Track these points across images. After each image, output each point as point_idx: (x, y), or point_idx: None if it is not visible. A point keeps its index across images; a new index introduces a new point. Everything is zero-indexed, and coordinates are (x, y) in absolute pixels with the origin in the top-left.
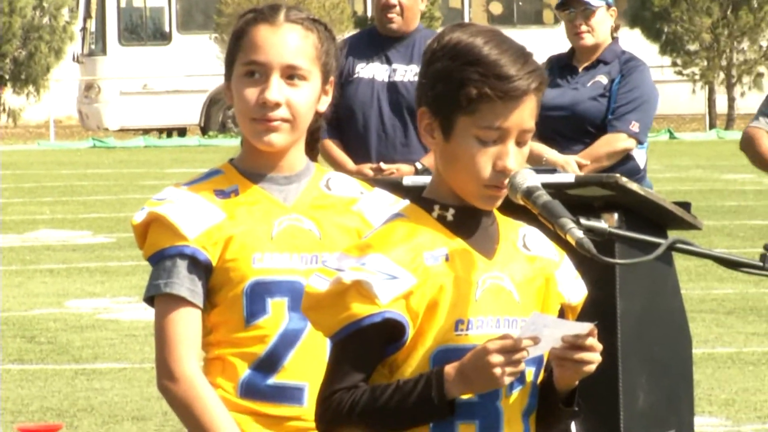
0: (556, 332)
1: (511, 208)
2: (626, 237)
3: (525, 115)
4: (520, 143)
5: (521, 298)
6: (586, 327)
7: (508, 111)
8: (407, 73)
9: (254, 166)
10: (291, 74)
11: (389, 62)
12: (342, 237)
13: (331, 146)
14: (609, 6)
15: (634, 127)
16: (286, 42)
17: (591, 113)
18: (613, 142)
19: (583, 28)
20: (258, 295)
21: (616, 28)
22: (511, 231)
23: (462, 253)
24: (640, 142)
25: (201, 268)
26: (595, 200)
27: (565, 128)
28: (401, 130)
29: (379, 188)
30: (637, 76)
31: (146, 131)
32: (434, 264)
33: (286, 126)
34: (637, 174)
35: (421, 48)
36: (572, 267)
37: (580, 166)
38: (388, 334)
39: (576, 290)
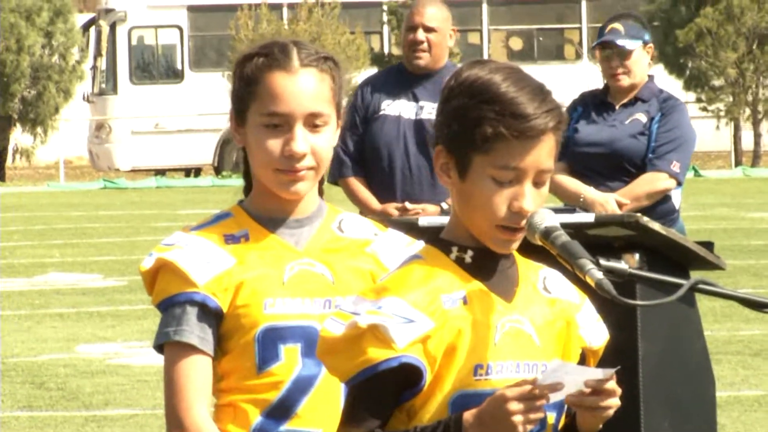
0: (578, 378)
1: (530, 249)
2: (647, 278)
3: (542, 155)
4: (537, 184)
5: (541, 341)
6: (608, 373)
7: (524, 151)
8: (435, 110)
9: (266, 210)
10: (313, 122)
11: (416, 99)
12: (356, 280)
13: (356, 184)
14: (645, 44)
15: (675, 167)
16: (305, 89)
17: (630, 151)
18: (654, 182)
19: (620, 69)
20: (270, 341)
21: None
22: (532, 273)
23: (480, 296)
24: (679, 183)
25: (211, 314)
26: (616, 240)
27: (601, 165)
28: (427, 168)
29: (394, 229)
30: (677, 116)
31: (158, 171)
32: (452, 307)
33: (312, 173)
34: (672, 215)
35: None
36: (593, 310)
37: (620, 205)
38: (405, 379)
39: (597, 334)
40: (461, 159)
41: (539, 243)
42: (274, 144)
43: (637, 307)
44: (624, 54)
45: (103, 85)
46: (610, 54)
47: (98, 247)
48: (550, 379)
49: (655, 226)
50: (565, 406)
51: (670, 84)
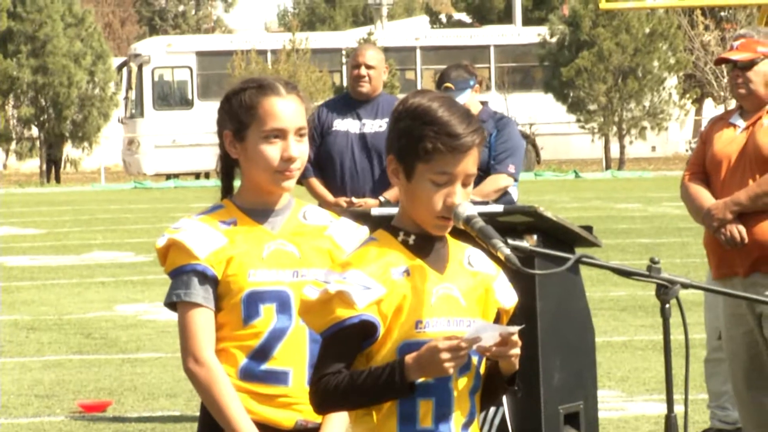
0: (494, 333)
1: (457, 232)
2: (543, 253)
3: (469, 163)
4: (465, 184)
5: (466, 303)
6: (515, 329)
7: (456, 161)
8: (374, 125)
9: (251, 203)
10: (299, 133)
11: (359, 118)
12: (317, 256)
13: (315, 183)
14: (473, 87)
15: (511, 168)
16: (292, 109)
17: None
18: (498, 181)
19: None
20: (253, 302)
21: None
22: (459, 251)
23: (420, 270)
24: (516, 180)
25: (210, 281)
26: (519, 225)
27: None
28: (369, 171)
29: (347, 218)
30: (509, 130)
31: (175, 175)
32: (399, 278)
33: (297, 173)
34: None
35: (384, 107)
36: (506, 279)
37: (473, 203)
38: (364, 332)
39: (510, 297)
40: (408, 166)
41: (462, 227)
42: (275, 152)
43: (536, 276)
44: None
45: (133, 111)
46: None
47: (130, 232)
48: (473, 334)
49: (549, 214)
50: None
51: (557, 109)
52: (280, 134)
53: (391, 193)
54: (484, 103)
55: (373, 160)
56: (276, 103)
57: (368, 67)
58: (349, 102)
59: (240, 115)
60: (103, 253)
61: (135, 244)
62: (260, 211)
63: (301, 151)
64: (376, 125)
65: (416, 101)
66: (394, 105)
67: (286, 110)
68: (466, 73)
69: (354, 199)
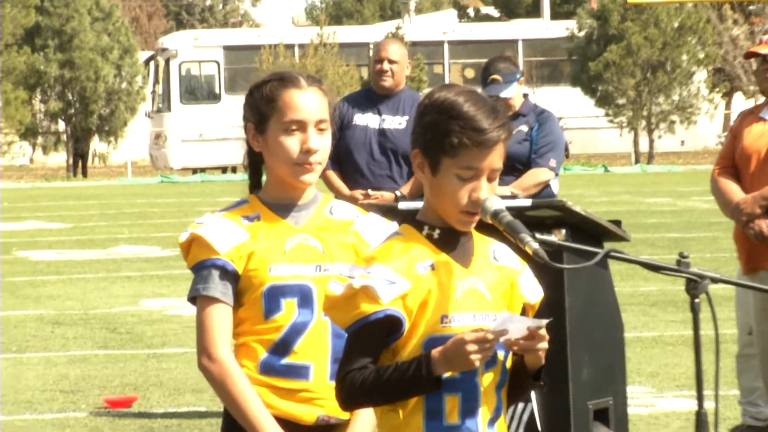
0: (520, 326)
1: (483, 226)
2: (572, 248)
3: (495, 158)
4: (490, 179)
5: (492, 297)
6: (543, 322)
7: (482, 155)
8: (394, 122)
9: (276, 198)
10: (320, 126)
11: (380, 113)
12: (341, 251)
13: (332, 176)
14: (518, 80)
15: (552, 162)
16: (313, 101)
17: (519, 154)
18: (538, 175)
19: (502, 107)
20: (274, 296)
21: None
22: (484, 246)
23: (445, 264)
24: (556, 174)
25: (230, 275)
26: (547, 219)
27: None
28: (386, 165)
29: (373, 212)
30: (550, 124)
31: (202, 170)
32: (424, 272)
33: (318, 167)
34: (551, 199)
35: (406, 103)
36: (532, 274)
37: (514, 195)
38: (389, 327)
39: (535, 292)
40: (433, 160)
41: (490, 222)
42: (294, 143)
43: (564, 270)
44: (506, 99)
45: (160, 105)
46: (496, 98)
47: (157, 227)
48: (499, 326)
49: (577, 208)
50: None
51: (585, 103)
52: (300, 126)
53: (407, 188)
54: (525, 96)
55: (390, 156)
56: (296, 95)
57: (391, 61)
58: (370, 96)
59: (261, 107)
60: (130, 247)
61: (161, 238)
62: (284, 206)
63: (321, 144)
64: (396, 122)
65: (442, 95)
66: (417, 100)
67: (307, 102)
68: (513, 66)
69: (370, 192)
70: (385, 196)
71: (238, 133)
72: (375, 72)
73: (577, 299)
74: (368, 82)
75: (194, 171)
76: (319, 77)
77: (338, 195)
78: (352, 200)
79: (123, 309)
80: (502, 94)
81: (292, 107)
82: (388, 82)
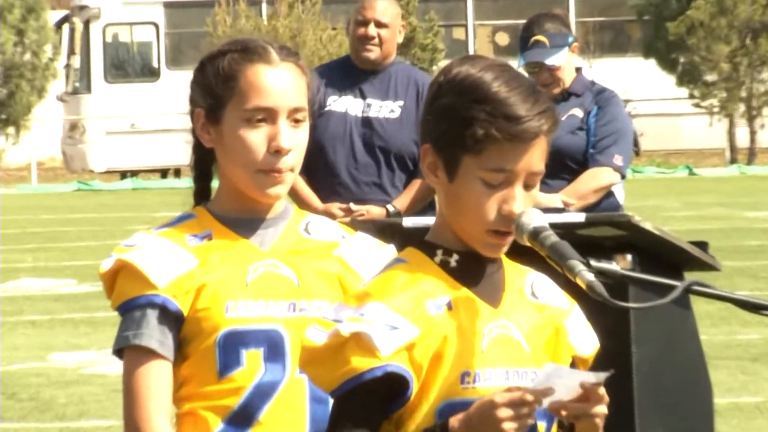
0: (570, 383)
1: (518, 251)
2: (640, 279)
3: (534, 157)
4: (528, 186)
5: (531, 348)
6: (601, 377)
7: (516, 153)
8: (382, 109)
9: (233, 211)
10: (295, 117)
11: (363, 96)
12: (321, 283)
13: (298, 182)
14: (570, 46)
15: (618, 160)
16: (287, 82)
17: (570, 147)
18: (599, 177)
19: (549, 80)
20: (231, 346)
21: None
22: (518, 277)
23: (466, 302)
24: (623, 176)
25: (171, 318)
26: (607, 240)
27: None
28: (374, 168)
29: (378, 230)
30: (614, 109)
31: (134, 173)
32: (437, 313)
33: (290, 175)
34: (616, 210)
35: (400, 82)
36: (583, 317)
37: (566, 205)
38: (391, 389)
39: (588, 341)
40: (450, 159)
41: (528, 244)
42: (259, 140)
43: (630, 310)
44: (553, 68)
45: (77, 84)
46: (537, 68)
47: (72, 252)
48: (543, 384)
49: (648, 225)
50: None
51: (661, 80)
52: (268, 116)
53: (403, 200)
54: (578, 70)
55: (379, 155)
56: (264, 73)
57: (379, 24)
58: (349, 72)
59: (215, 88)
60: (34, 280)
61: (77, 268)
62: (245, 221)
63: (296, 141)
64: (386, 108)
65: (463, 70)
66: (415, 78)
67: (278, 84)
68: (564, 26)
69: (352, 206)
70: (373, 211)
71: (183, 122)
72: (356, 39)
73: (647, 349)
74: None
75: (123, 175)
76: (295, 50)
77: (306, 209)
78: (327, 217)
79: (25, 366)
80: (548, 61)
81: (258, 89)
82: (373, 53)
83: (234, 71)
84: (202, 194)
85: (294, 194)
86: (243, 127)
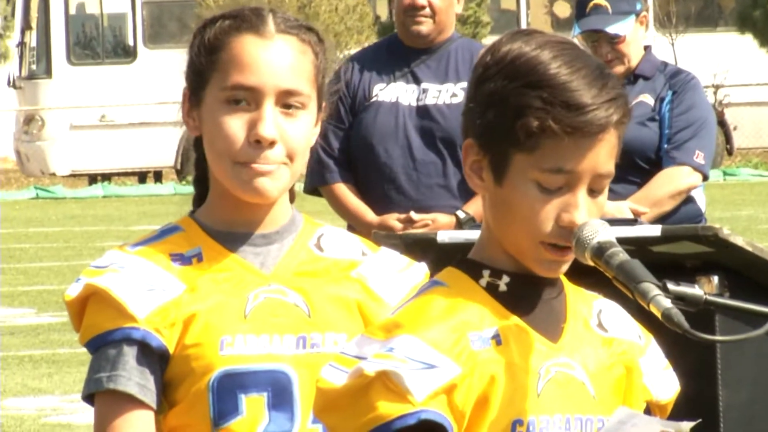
0: (649, 430)
1: (580, 272)
2: (729, 306)
3: (602, 155)
4: (593, 192)
5: (597, 391)
6: (684, 427)
7: (579, 151)
8: (441, 94)
9: (225, 222)
10: (287, 102)
11: (417, 81)
12: (337, 312)
13: (345, 192)
14: (638, 14)
15: (699, 157)
16: (280, 59)
17: (641, 142)
18: (677, 179)
19: (611, 55)
20: (228, 391)
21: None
22: (584, 305)
23: (518, 334)
24: (705, 177)
25: (154, 356)
26: (688, 259)
27: None
28: (437, 167)
29: (404, 246)
30: (692, 94)
31: (105, 177)
32: (483, 348)
33: (284, 170)
34: (697, 218)
35: (461, 60)
36: (661, 354)
37: (637, 214)
38: None
39: (666, 384)
40: (498, 157)
41: (590, 263)
42: (237, 126)
43: (717, 344)
44: (614, 39)
45: (34, 67)
46: (596, 38)
47: (29, 274)
48: (614, 431)
49: (739, 240)
50: None
51: (761, 60)
52: (250, 98)
53: (477, 204)
54: (646, 48)
55: (441, 148)
56: (251, 45)
57: None
58: (397, 53)
59: (199, 61)
60: None
61: (37, 294)
62: (241, 235)
63: (288, 132)
64: (446, 92)
65: (515, 48)
66: (478, 55)
67: (267, 59)
68: None
69: (414, 215)
70: (440, 220)
71: (164, 114)
72: (402, 9)
73: (738, 393)
74: (390, 27)
75: (92, 179)
76: (303, 19)
77: (358, 224)
78: (383, 230)
79: None
80: (610, 29)
81: (240, 64)
82: (426, 26)
83: (219, 42)
84: (201, 201)
85: (340, 207)
86: (221, 110)
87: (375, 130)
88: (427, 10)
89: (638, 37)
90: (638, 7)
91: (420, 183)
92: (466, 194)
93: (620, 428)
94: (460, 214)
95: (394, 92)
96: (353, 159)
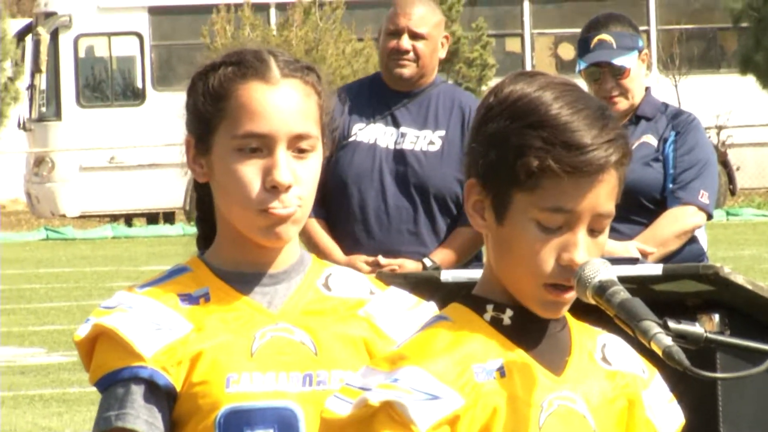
0: None
1: (581, 310)
2: (730, 344)
3: (602, 195)
4: (593, 231)
5: (598, 425)
6: None
7: (579, 190)
8: (419, 140)
9: (234, 263)
10: (298, 146)
11: (396, 124)
12: (344, 350)
13: (316, 228)
14: (640, 52)
15: (704, 197)
16: (290, 103)
17: (646, 183)
18: (683, 218)
19: (615, 92)
20: (235, 427)
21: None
22: (588, 339)
23: (522, 367)
24: (710, 216)
25: (161, 394)
26: (689, 297)
27: None
28: (409, 212)
29: (406, 284)
30: (695, 135)
31: (115, 218)
32: (487, 380)
33: (299, 212)
34: (700, 258)
35: (442, 106)
36: (665, 387)
37: (644, 254)
38: None
39: (670, 417)
40: (499, 197)
41: (592, 302)
42: (251, 174)
43: (718, 381)
44: (619, 72)
45: (44, 109)
46: (600, 73)
47: (40, 314)
48: None
49: (740, 278)
50: None
51: (763, 101)
52: (263, 145)
53: (444, 254)
54: (646, 90)
55: (414, 194)
56: (260, 92)
57: (415, 35)
58: (379, 94)
59: (204, 110)
60: None
61: (46, 334)
62: (249, 276)
63: (300, 174)
64: (425, 139)
65: (517, 89)
66: (461, 102)
67: (277, 105)
68: (631, 28)
69: (381, 259)
70: (407, 266)
71: (174, 155)
72: (387, 53)
73: (739, 429)
74: None
75: (102, 220)
76: (309, 62)
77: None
78: (377, 268)
79: None
80: (616, 61)
81: (251, 112)
82: (409, 69)
83: (224, 90)
84: (206, 241)
85: (310, 244)
86: (234, 158)
87: (351, 170)
88: (411, 55)
89: (641, 74)
90: (640, 44)
91: (390, 227)
92: (434, 242)
93: None
94: (427, 261)
95: (372, 133)
96: (327, 196)
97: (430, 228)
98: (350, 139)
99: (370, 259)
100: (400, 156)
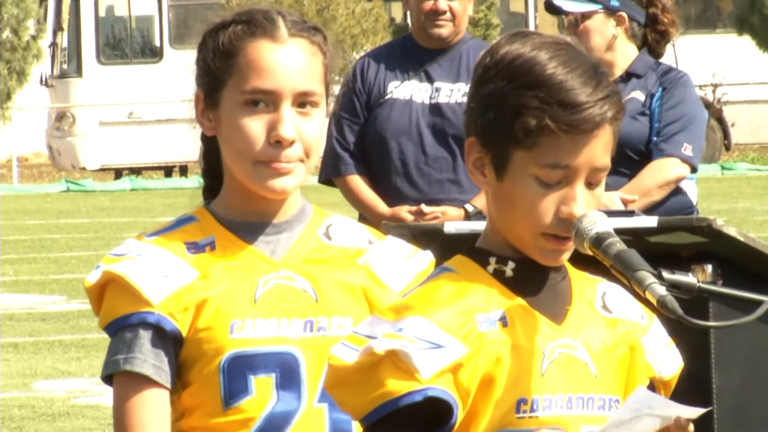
0: (661, 414)
1: (581, 261)
2: (722, 294)
3: (597, 150)
4: (591, 184)
5: (599, 371)
6: (697, 412)
7: (575, 147)
8: (453, 93)
9: (239, 213)
10: (303, 102)
11: (430, 80)
12: (344, 297)
13: (359, 184)
14: (610, 11)
15: (687, 150)
16: (296, 62)
17: (631, 135)
18: (665, 170)
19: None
20: (238, 372)
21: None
22: (588, 288)
23: (524, 316)
24: (694, 169)
25: (168, 339)
26: (683, 249)
27: None
28: (447, 162)
29: (413, 236)
30: (682, 90)
31: (133, 170)
32: (489, 329)
33: (301, 167)
34: (688, 210)
35: (470, 62)
36: (664, 332)
37: (626, 203)
38: (431, 416)
39: (669, 360)
40: (499, 154)
41: (589, 253)
42: (257, 128)
43: (710, 330)
44: (575, 23)
45: (65, 66)
46: (567, 23)
47: (60, 263)
48: (630, 414)
49: (732, 230)
50: None
51: (758, 60)
52: (269, 101)
53: (484, 199)
54: (641, 49)
55: (452, 144)
56: (267, 50)
57: None
58: (411, 52)
59: (213, 67)
60: (16, 297)
61: (66, 282)
62: (253, 226)
63: (304, 131)
64: (458, 91)
65: (512, 50)
66: (478, 57)
67: (283, 63)
68: None
69: (425, 207)
70: (449, 213)
71: (190, 111)
72: (424, 14)
73: (730, 376)
74: (405, 27)
75: (120, 173)
76: (316, 23)
77: (371, 215)
78: (394, 221)
79: (6, 396)
80: (564, 5)
81: (258, 69)
82: (446, 29)
83: (234, 47)
84: (212, 192)
85: (354, 199)
86: (241, 113)
87: (389, 126)
88: (448, 15)
89: (606, 33)
90: (612, 2)
91: (431, 177)
92: (475, 188)
93: (638, 408)
94: (469, 207)
95: (408, 90)
96: (367, 153)
97: (468, 176)
98: (387, 97)
99: (414, 208)
100: (436, 109)
